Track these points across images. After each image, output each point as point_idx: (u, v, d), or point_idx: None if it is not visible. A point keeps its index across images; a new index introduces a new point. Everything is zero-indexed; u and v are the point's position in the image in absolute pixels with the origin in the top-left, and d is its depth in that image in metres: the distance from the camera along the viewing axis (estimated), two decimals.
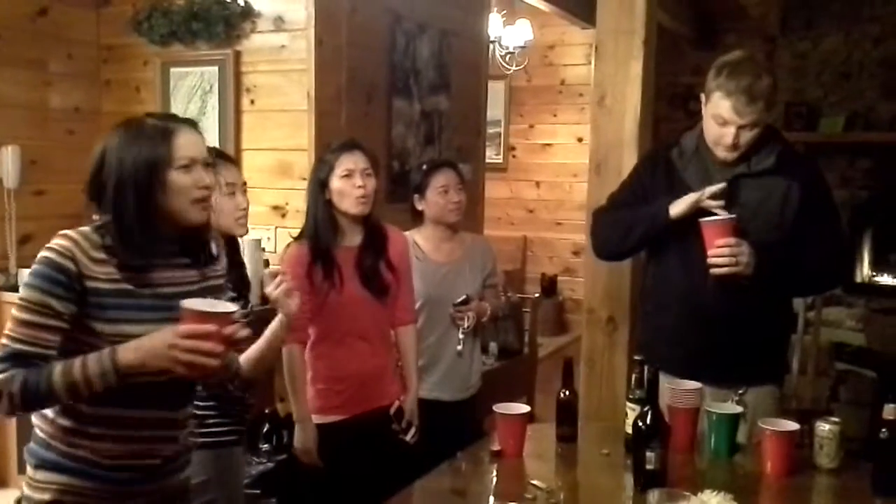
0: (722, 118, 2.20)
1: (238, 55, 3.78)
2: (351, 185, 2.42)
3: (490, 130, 6.15)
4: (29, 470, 1.67)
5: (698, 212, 2.22)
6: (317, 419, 2.51)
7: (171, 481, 1.74)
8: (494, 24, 5.92)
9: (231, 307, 1.61)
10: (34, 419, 1.67)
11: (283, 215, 3.76)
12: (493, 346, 4.52)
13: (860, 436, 2.45)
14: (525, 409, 2.14)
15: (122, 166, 1.59)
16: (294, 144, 3.68)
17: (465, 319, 2.79)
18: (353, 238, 2.51)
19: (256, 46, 3.76)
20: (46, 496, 1.63)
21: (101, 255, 1.58)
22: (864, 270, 6.68)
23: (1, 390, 1.51)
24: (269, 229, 3.72)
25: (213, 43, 3.81)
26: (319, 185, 2.46)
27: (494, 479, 2.04)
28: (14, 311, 1.57)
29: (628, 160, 2.95)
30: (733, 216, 2.19)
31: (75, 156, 4.08)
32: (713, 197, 2.21)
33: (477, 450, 2.17)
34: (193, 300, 1.57)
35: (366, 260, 2.50)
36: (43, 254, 1.58)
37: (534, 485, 1.89)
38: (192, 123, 1.70)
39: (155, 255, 1.64)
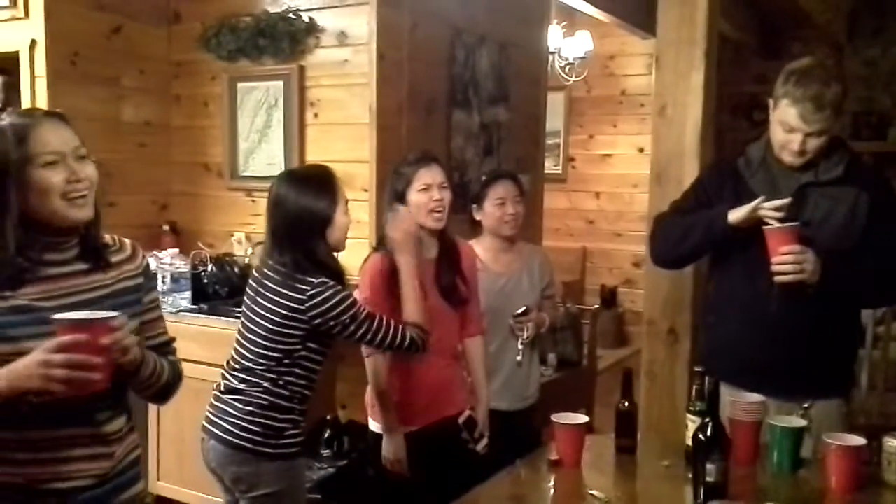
0: (789, 125, 2.19)
1: (302, 70, 3.87)
2: (428, 198, 2.47)
3: (549, 141, 6.13)
4: None
5: (759, 221, 2.20)
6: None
7: (117, 500, 1.63)
8: (554, 36, 5.93)
9: (110, 314, 1.46)
10: None
11: None
12: (551, 358, 4.50)
13: None
14: (584, 419, 2.14)
15: None
16: (356, 157, 3.74)
17: (525, 330, 2.80)
18: (430, 250, 2.55)
19: (320, 61, 3.84)
20: None
21: None
22: None
23: None
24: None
25: (279, 58, 3.90)
26: (397, 197, 2.51)
27: (552, 489, 2.05)
28: None
29: (689, 170, 2.94)
30: (797, 223, 2.17)
31: (146, 168, 4.24)
32: (776, 209, 2.19)
33: (535, 459, 2.19)
34: (69, 312, 1.44)
35: (444, 272, 2.54)
36: None
37: (592, 494, 1.90)
38: (56, 115, 1.58)
39: (43, 265, 1.53)
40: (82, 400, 1.46)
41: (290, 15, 3.85)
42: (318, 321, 2.18)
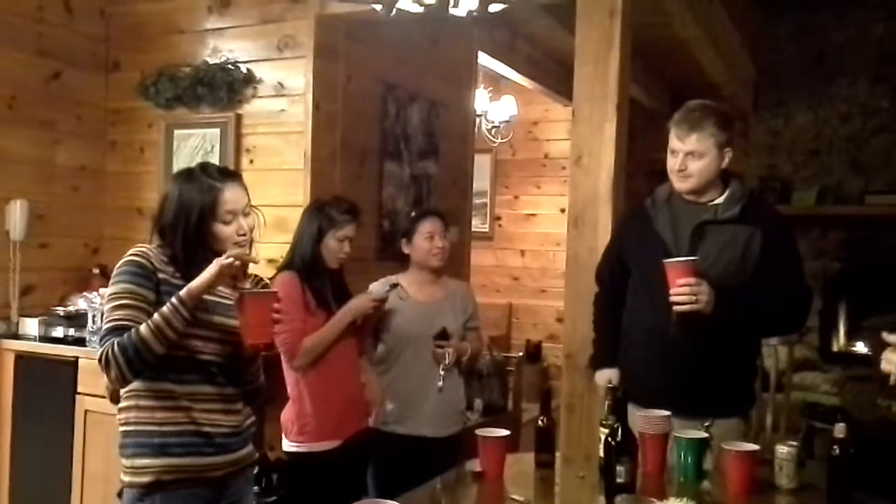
0: (671, 148, 2.48)
1: (239, 118, 4.00)
2: (340, 248, 2.87)
3: (477, 201, 6.38)
4: (125, 460, 2.01)
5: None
6: (313, 447, 2.77)
7: (240, 454, 2.12)
8: (481, 99, 6.21)
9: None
10: (122, 414, 2.02)
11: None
12: (478, 403, 4.63)
13: None
14: (505, 432, 2.27)
15: (179, 212, 2.00)
16: (290, 201, 3.86)
17: (446, 356, 2.94)
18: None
19: (257, 110, 3.99)
20: (146, 479, 1.97)
21: (166, 260, 2.01)
22: (840, 340, 6.86)
23: (108, 359, 1.88)
24: (266, 280, 3.87)
25: (217, 107, 4.03)
26: (319, 235, 2.86)
27: (475, 497, 2.16)
28: (107, 308, 1.96)
29: (603, 214, 3.17)
30: (695, 258, 2.38)
31: (79, 211, 4.28)
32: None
33: (459, 472, 2.30)
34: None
35: (340, 291, 2.93)
36: (123, 260, 1.99)
37: (513, 499, 2.02)
38: (237, 177, 2.09)
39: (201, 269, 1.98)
40: (206, 364, 2.00)
41: (229, 66, 4.00)
42: None
